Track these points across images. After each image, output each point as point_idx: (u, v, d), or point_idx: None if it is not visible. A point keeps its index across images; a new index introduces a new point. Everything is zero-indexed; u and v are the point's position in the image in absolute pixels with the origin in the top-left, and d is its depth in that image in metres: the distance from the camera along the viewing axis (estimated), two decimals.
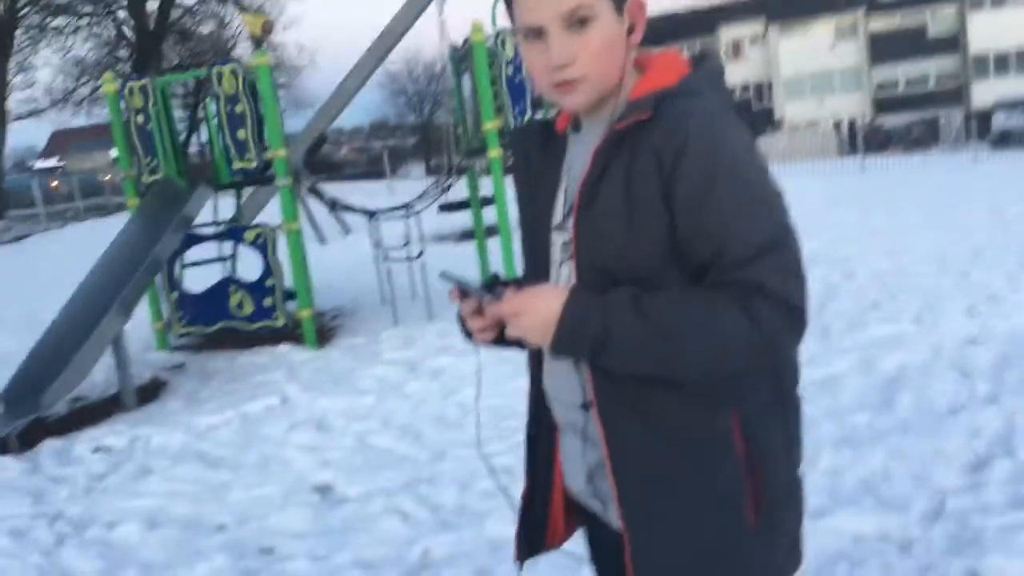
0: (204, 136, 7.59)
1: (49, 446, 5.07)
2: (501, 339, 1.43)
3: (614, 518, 1.40)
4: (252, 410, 5.42)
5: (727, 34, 50.19)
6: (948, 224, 10.54)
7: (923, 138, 37.65)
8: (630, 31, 1.33)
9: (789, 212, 1.27)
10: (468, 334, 1.48)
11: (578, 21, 1.27)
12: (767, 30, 49.10)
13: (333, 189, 11.33)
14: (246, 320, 7.05)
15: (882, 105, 47.42)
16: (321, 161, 45.21)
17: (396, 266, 7.66)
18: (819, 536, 3.16)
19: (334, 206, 7.65)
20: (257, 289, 7.03)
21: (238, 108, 6.89)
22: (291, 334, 6.98)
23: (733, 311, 1.19)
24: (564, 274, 1.40)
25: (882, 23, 47.28)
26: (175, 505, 4.08)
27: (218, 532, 3.76)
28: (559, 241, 1.41)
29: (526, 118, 7.14)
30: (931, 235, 9.77)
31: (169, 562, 3.51)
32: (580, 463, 1.46)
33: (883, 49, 46.92)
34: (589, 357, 1.29)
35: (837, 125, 42.70)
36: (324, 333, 7.20)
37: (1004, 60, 45.36)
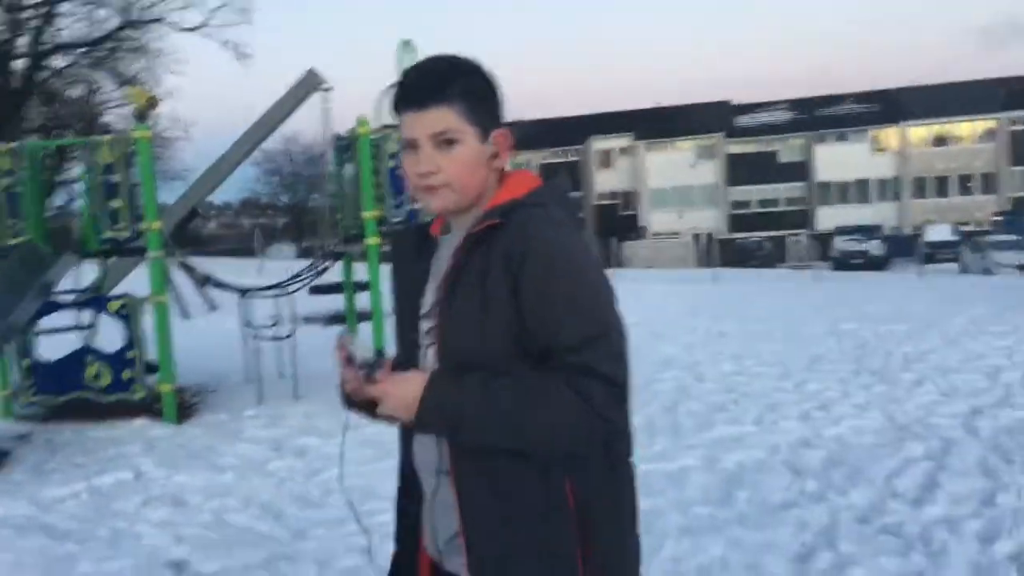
0: (59, 200, 7.44)
1: None
2: (374, 412, 1.61)
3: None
4: (103, 484, 5.26)
5: (598, 144, 52.79)
6: (790, 335, 11.38)
7: (772, 255, 40.34)
8: (495, 155, 1.60)
9: (616, 305, 1.53)
10: (347, 402, 1.66)
11: (445, 141, 1.53)
12: (635, 143, 51.98)
13: (202, 264, 11.18)
14: (102, 392, 6.83)
15: (737, 221, 50.69)
16: (189, 235, 44.06)
17: (264, 345, 7.64)
18: None
19: (206, 282, 7.61)
20: (116, 360, 6.85)
21: (114, 178, 6.85)
22: (149, 408, 6.82)
23: (566, 390, 1.43)
24: (429, 356, 1.61)
25: (739, 147, 51.00)
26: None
27: None
28: (425, 327, 1.62)
29: (405, 209, 7.40)
30: (774, 344, 10.53)
31: None
32: (437, 526, 1.64)
33: (739, 170, 50.50)
34: (447, 434, 1.51)
35: (696, 237, 45.20)
36: (185, 409, 7.06)
37: (844, 189, 49.65)
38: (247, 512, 4.80)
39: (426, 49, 9.01)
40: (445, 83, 1.53)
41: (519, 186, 1.61)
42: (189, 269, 7.66)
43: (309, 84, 9.96)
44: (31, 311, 6.48)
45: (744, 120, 51.99)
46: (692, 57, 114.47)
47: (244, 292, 7.43)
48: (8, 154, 7.03)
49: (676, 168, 50.91)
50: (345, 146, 8.02)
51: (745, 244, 43.54)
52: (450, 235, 1.66)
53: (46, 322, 7.20)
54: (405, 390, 1.49)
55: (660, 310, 15.20)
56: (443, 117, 1.52)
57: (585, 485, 1.52)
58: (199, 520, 4.70)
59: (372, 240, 7.25)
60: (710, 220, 50.24)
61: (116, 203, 6.88)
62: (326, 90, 9.38)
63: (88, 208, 7.03)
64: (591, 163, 53.20)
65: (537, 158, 54.65)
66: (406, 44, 8.33)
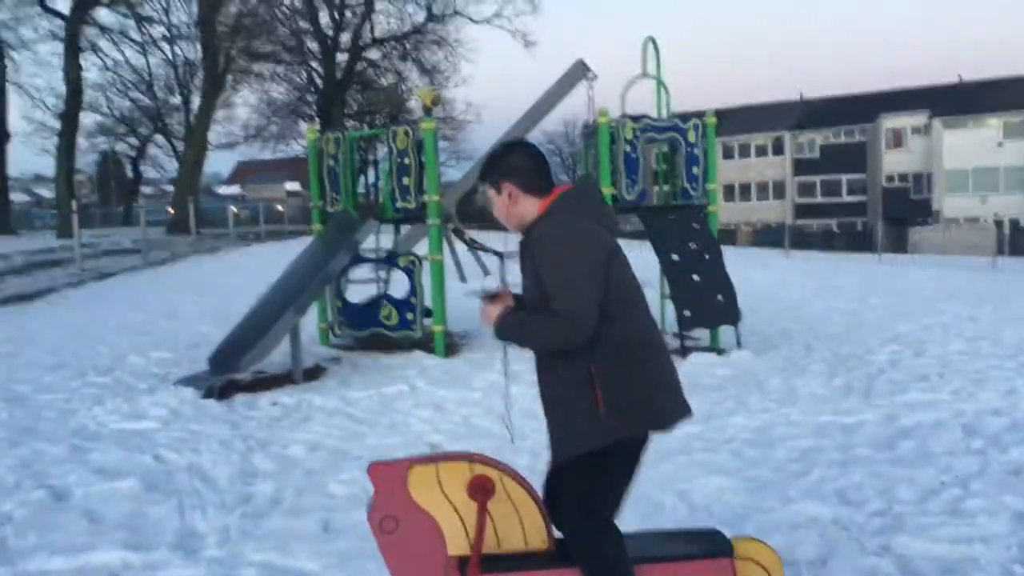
0: (371, 179, 9.36)
1: (240, 398, 6.81)
2: None
3: None
4: (388, 392, 7.01)
5: (889, 122, 49.80)
6: None
7: None
8: (510, 196, 2.80)
9: (578, 271, 2.63)
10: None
11: (489, 198, 2.85)
12: (931, 122, 48.44)
13: (483, 236, 13.00)
14: (391, 329, 8.72)
15: None
16: (475, 209, 47.91)
17: None
18: (792, 514, 4.36)
19: (472, 244, 9.26)
20: (403, 305, 8.69)
21: (406, 160, 8.62)
22: (425, 344, 8.59)
23: (550, 321, 2.63)
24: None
25: None
26: (328, 440, 5.67)
27: (356, 460, 5.28)
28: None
29: (637, 188, 8.54)
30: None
31: (322, 470, 5.06)
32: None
33: None
34: (505, 337, 2.79)
35: (999, 224, 41.45)
36: (451, 347, 8.77)
37: None
38: (487, 419, 6.26)
39: (666, 46, 10.01)
40: (481, 171, 2.90)
41: (543, 207, 2.80)
42: (461, 234, 9.33)
43: (576, 73, 11.24)
44: (343, 263, 8.45)
45: None
46: (999, 26, 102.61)
47: (502, 256, 8.95)
48: (333, 141, 9.06)
49: (978, 148, 46.74)
50: (591, 132, 9.29)
51: None
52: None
53: (354, 273, 9.21)
54: (493, 312, 2.80)
55: (913, 293, 15.02)
56: (485, 189, 2.87)
57: (599, 364, 2.68)
58: (452, 420, 6.24)
59: None
60: (1017, 206, 45.72)
61: (406, 180, 8.65)
62: (591, 79, 10.61)
63: (386, 184, 8.89)
64: (880, 143, 50.33)
65: (820, 138, 52.69)
66: (649, 41, 9.40)
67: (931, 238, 41.82)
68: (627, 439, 2.72)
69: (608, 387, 2.65)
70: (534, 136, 14.62)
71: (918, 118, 48.96)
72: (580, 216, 2.72)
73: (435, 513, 2.66)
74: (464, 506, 2.66)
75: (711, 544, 2.86)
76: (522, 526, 2.71)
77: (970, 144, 46.98)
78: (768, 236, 40.56)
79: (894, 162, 49.90)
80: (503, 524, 2.70)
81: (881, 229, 29.65)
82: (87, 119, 42.59)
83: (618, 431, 2.68)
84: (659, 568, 2.75)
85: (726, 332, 9.16)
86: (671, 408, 2.81)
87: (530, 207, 2.79)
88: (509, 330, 2.76)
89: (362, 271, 9.20)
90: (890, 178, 50.09)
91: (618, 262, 2.73)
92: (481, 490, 2.65)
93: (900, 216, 44.98)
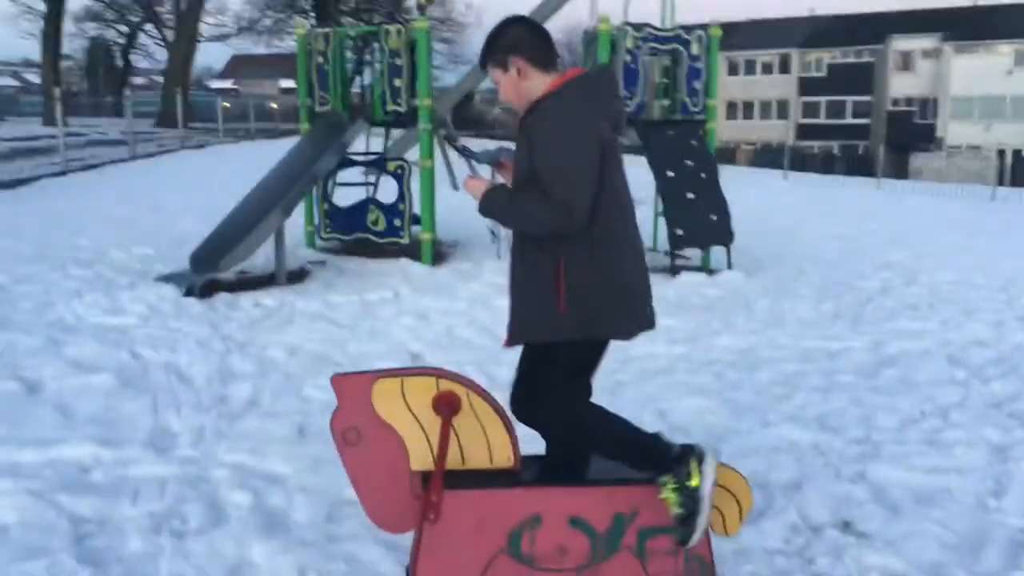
0: (366, 80, 9.10)
1: (222, 297, 6.71)
2: None
3: None
4: (371, 298, 6.92)
5: (898, 44, 48.69)
6: None
7: None
8: (519, 72, 2.66)
9: (579, 155, 2.54)
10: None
11: (496, 81, 2.68)
12: (942, 46, 47.37)
13: (477, 144, 12.69)
14: (378, 234, 8.57)
15: None
16: (470, 117, 47.18)
17: None
18: (770, 438, 4.34)
19: (464, 151, 9.02)
20: (391, 211, 8.52)
21: (398, 61, 8.32)
22: (412, 251, 8.46)
23: (540, 201, 2.54)
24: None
25: None
26: (309, 344, 5.61)
27: (336, 365, 5.22)
28: None
29: (636, 101, 8.29)
30: (1019, 263, 10.30)
31: (301, 375, 5.01)
32: None
33: None
34: (488, 213, 2.71)
35: (1001, 153, 41.04)
36: (439, 256, 8.65)
37: None
38: (470, 329, 6.20)
39: None
40: (481, 55, 2.75)
41: (551, 85, 2.68)
42: (452, 140, 9.07)
43: None
44: (330, 165, 8.25)
45: None
46: None
47: (495, 164, 8.75)
48: (322, 37, 8.72)
49: (987, 75, 45.87)
50: (590, 40, 8.97)
51: None
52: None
53: (341, 176, 9.00)
54: (480, 185, 2.72)
55: (910, 221, 14.91)
56: (489, 71, 2.73)
57: (569, 260, 2.61)
58: (434, 330, 6.17)
59: None
60: (1021, 136, 45.18)
61: (398, 83, 8.37)
62: None
63: (378, 86, 8.60)
64: (888, 65, 49.34)
65: (828, 57, 51.59)
66: None
67: (932, 165, 41.49)
68: (583, 339, 2.69)
69: (573, 285, 2.60)
70: None
71: (929, 41, 47.86)
72: (586, 103, 2.62)
73: (399, 427, 2.60)
74: (429, 422, 2.60)
75: None
76: (488, 443, 2.66)
77: (980, 71, 46.07)
78: (768, 157, 40.06)
79: (901, 85, 49.01)
80: (468, 441, 2.64)
81: (883, 154, 29.20)
82: (74, 3, 41.30)
83: (574, 330, 2.64)
84: (622, 491, 2.72)
85: (717, 253, 9.07)
86: (634, 317, 2.76)
87: (539, 82, 2.68)
88: (496, 205, 2.66)
89: (350, 174, 8.99)
90: (896, 102, 49.29)
91: (613, 160, 2.64)
92: (447, 405, 2.59)
93: (903, 141, 44.43)
